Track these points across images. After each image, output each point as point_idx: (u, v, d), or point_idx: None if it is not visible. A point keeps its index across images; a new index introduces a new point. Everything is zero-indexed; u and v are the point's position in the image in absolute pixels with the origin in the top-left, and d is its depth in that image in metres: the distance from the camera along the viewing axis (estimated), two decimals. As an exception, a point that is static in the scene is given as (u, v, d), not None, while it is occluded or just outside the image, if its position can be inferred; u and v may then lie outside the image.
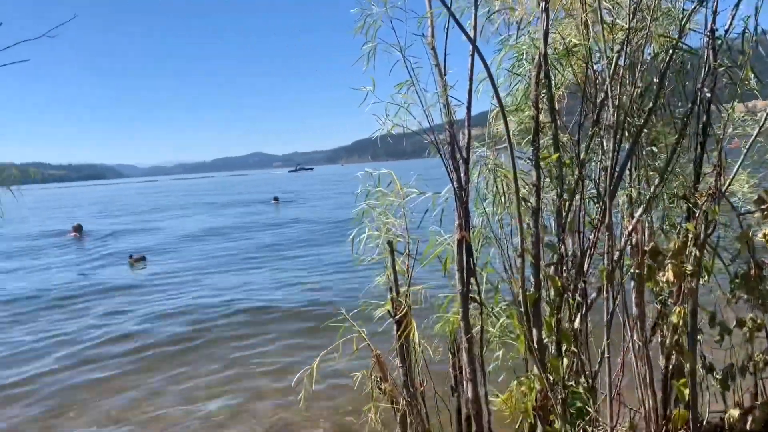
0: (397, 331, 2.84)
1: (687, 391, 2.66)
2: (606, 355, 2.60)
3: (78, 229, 21.29)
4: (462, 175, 2.71)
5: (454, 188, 2.72)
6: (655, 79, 2.72)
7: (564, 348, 2.65)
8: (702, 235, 2.65)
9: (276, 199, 35.73)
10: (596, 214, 2.74)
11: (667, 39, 2.61)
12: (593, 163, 2.83)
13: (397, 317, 2.81)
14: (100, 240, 20.11)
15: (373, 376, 2.86)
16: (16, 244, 20.23)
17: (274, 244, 16.74)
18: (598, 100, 2.68)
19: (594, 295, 2.79)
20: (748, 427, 2.87)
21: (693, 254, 2.64)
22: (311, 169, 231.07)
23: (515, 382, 2.74)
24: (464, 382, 2.86)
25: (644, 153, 2.87)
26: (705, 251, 2.71)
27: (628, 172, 2.79)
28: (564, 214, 2.68)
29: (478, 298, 2.81)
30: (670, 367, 2.91)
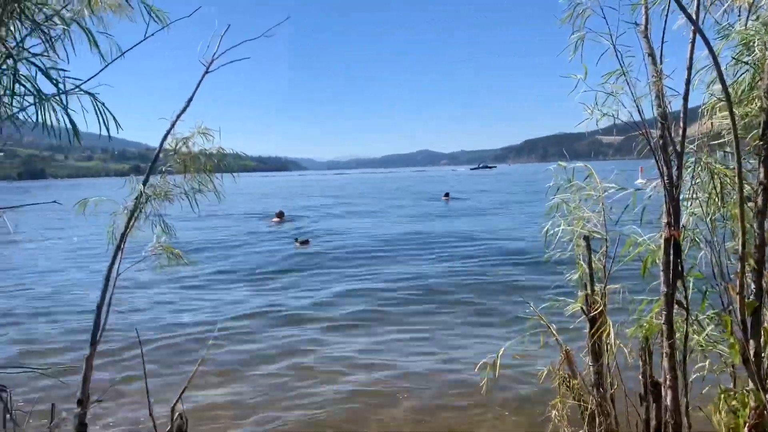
0: (590, 329, 2.76)
1: None
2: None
3: (280, 215, 23.41)
4: (674, 170, 2.56)
5: (665, 184, 2.57)
6: None
7: (786, 364, 2.42)
8: None
9: (447, 195, 35.53)
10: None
11: None
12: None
13: (590, 315, 2.73)
14: (298, 224, 21.80)
15: (560, 372, 2.81)
16: (237, 224, 22.45)
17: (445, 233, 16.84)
18: None
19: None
20: None
21: None
22: (494, 167, 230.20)
23: (722, 395, 2.55)
24: (663, 389, 2.70)
25: None
26: None
27: None
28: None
29: (684, 302, 2.64)
30: None
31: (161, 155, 3.27)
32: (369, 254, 13.31)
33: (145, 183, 3.13)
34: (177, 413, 2.76)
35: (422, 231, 17.86)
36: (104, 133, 2.42)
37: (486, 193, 41.54)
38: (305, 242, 14.98)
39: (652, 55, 2.60)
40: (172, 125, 3.23)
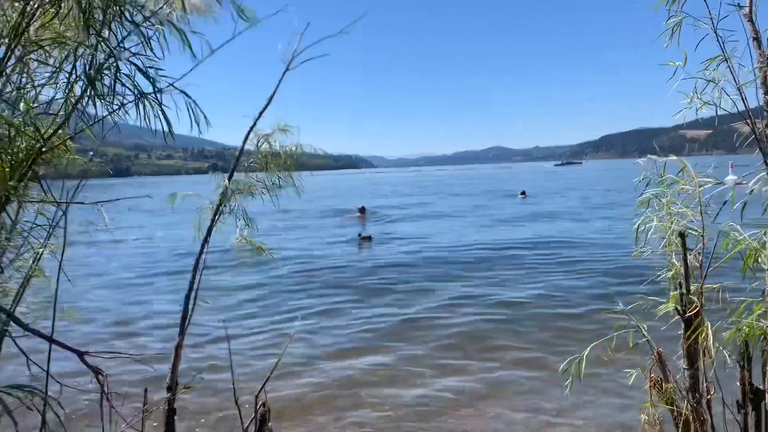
0: (685, 330, 2.61)
1: None
2: None
3: (362, 210, 24.03)
4: (783, 162, 2.38)
5: (772, 177, 2.40)
6: None
7: None
8: None
9: (523, 193, 34.65)
10: None
11: None
12: None
13: (686, 315, 2.58)
14: (380, 219, 22.11)
15: (651, 375, 2.68)
16: (320, 220, 23.10)
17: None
18: None
19: None
20: None
21: None
22: (580, 163, 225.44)
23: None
24: (766, 396, 2.53)
25: None
26: None
27: None
28: None
29: (792, 304, 2.45)
30: None
31: (241, 152, 3.37)
32: (454, 263, 12.94)
33: (230, 178, 3.23)
34: (261, 402, 2.82)
35: (509, 237, 16.80)
36: (195, 130, 2.50)
37: (573, 191, 39.34)
38: (368, 238, 15.09)
39: (757, 39, 2.43)
40: (255, 122, 3.31)
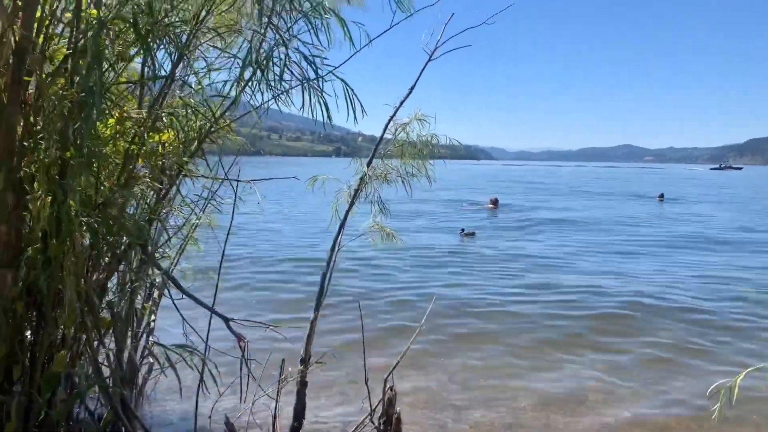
0: None
1: None
2: None
3: (495, 201, 23.97)
4: None
5: None
6: None
7: None
8: None
9: (661, 196, 30.83)
10: None
11: None
12: None
13: None
14: (514, 212, 21.81)
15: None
16: (447, 208, 23.09)
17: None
18: None
19: None
20: None
21: None
22: (740, 168, 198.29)
23: None
24: None
25: None
26: None
27: None
28: None
29: None
30: None
31: (381, 140, 3.45)
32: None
33: (368, 164, 3.32)
34: (389, 386, 2.90)
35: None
36: (351, 118, 2.57)
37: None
38: (471, 234, 14.96)
39: None
40: (395, 111, 3.37)
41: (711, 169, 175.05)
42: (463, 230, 15.11)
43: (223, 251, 2.97)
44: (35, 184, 2.14)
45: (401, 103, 3.33)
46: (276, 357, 3.17)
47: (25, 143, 2.09)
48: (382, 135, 3.35)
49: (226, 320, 2.86)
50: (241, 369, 2.91)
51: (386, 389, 2.90)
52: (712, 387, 2.59)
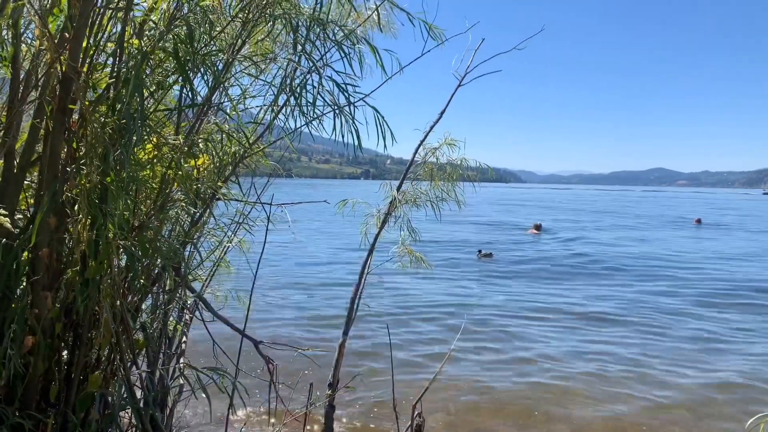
0: None
1: None
2: None
3: (538, 227, 23.63)
4: None
5: None
6: None
7: None
8: None
9: (698, 220, 30.82)
10: None
11: None
12: None
13: None
14: (556, 238, 21.44)
15: None
16: (488, 233, 22.82)
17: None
18: None
19: None
20: None
21: None
22: None
23: None
24: None
25: None
26: None
27: None
28: None
29: None
30: None
31: (411, 163, 3.46)
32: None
33: (398, 188, 3.33)
34: (417, 412, 2.87)
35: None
36: (381, 144, 2.59)
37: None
38: (488, 255, 14.82)
39: None
40: (425, 135, 3.40)
41: (763, 194, 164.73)
42: (480, 251, 14.99)
43: (255, 274, 3.00)
44: (76, 208, 2.21)
45: (431, 128, 3.36)
46: (305, 380, 3.17)
47: (68, 168, 2.16)
48: (412, 159, 3.37)
49: (256, 343, 2.88)
50: (269, 392, 2.92)
51: (414, 416, 2.87)
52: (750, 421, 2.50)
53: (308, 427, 3.07)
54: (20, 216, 2.31)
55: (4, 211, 1.90)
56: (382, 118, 2.55)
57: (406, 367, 5.22)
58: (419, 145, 3.37)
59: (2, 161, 2.21)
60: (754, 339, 7.27)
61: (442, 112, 3.40)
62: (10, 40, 2.22)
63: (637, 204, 57.11)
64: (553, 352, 6.28)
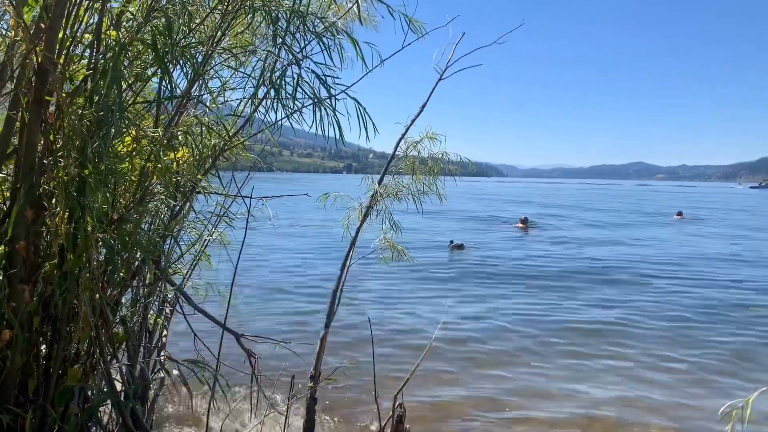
0: None
1: None
2: None
3: (524, 221, 23.30)
4: None
5: None
6: None
7: None
8: None
9: (680, 213, 29.13)
10: None
11: None
12: None
13: None
14: (541, 231, 21.27)
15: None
16: (474, 225, 22.77)
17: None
18: None
19: None
20: None
21: None
22: None
23: None
24: None
25: None
26: None
27: None
28: None
29: None
30: None
31: (392, 158, 3.48)
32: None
33: (380, 182, 3.35)
34: (398, 403, 2.90)
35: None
36: (363, 136, 2.60)
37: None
38: (460, 247, 14.90)
39: None
40: (407, 129, 3.41)
41: (750, 187, 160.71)
42: (451, 242, 15.05)
43: (236, 267, 3.00)
44: (53, 201, 2.19)
45: (412, 121, 3.37)
46: (286, 373, 3.18)
47: (44, 161, 2.14)
48: (394, 153, 3.39)
49: (237, 336, 2.88)
50: (251, 385, 2.93)
51: (396, 406, 2.90)
52: (723, 407, 2.56)
53: (290, 420, 3.08)
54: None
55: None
56: (364, 109, 2.56)
57: (391, 358, 5.27)
58: (400, 139, 3.38)
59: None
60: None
61: (423, 106, 3.42)
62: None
63: (639, 198, 56.20)
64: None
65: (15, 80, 2.19)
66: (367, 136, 2.57)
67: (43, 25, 2.05)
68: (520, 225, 22.53)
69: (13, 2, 2.10)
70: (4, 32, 2.31)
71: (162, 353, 3.10)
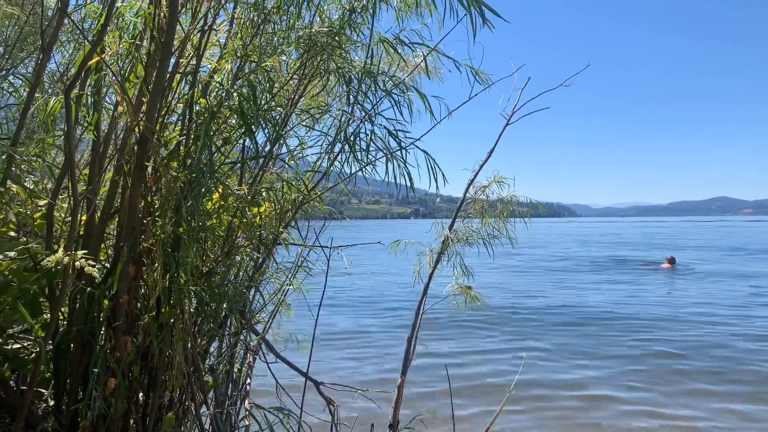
0: None
1: None
2: None
3: (671, 260, 23.03)
4: None
5: None
6: None
7: None
8: None
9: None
10: None
11: None
12: None
13: None
14: (689, 270, 20.84)
15: None
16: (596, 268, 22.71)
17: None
18: None
19: None
20: None
21: None
22: None
23: None
24: None
25: None
26: None
27: None
28: None
29: None
30: None
31: (462, 202, 3.53)
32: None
33: (450, 227, 3.40)
34: (479, 451, 2.84)
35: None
36: (433, 186, 2.67)
37: None
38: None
39: None
40: (475, 175, 3.47)
41: None
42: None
43: (317, 316, 3.09)
44: (151, 257, 2.37)
45: (480, 167, 3.43)
46: (365, 421, 3.21)
47: (144, 220, 2.34)
48: (463, 198, 3.44)
49: (317, 384, 2.95)
50: (331, 433, 2.97)
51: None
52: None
53: (370, 469, 3.08)
54: (98, 266, 2.50)
55: (92, 261, 2.07)
56: (434, 160, 2.65)
57: (469, 406, 5.17)
58: (469, 185, 3.44)
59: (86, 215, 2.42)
60: None
61: (491, 152, 3.47)
62: (92, 106, 2.46)
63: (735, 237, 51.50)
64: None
65: (118, 148, 2.44)
66: (437, 186, 2.64)
67: (144, 99, 2.28)
68: (667, 265, 21.71)
69: (119, 79, 2.36)
70: (109, 106, 2.59)
71: (246, 401, 3.21)
